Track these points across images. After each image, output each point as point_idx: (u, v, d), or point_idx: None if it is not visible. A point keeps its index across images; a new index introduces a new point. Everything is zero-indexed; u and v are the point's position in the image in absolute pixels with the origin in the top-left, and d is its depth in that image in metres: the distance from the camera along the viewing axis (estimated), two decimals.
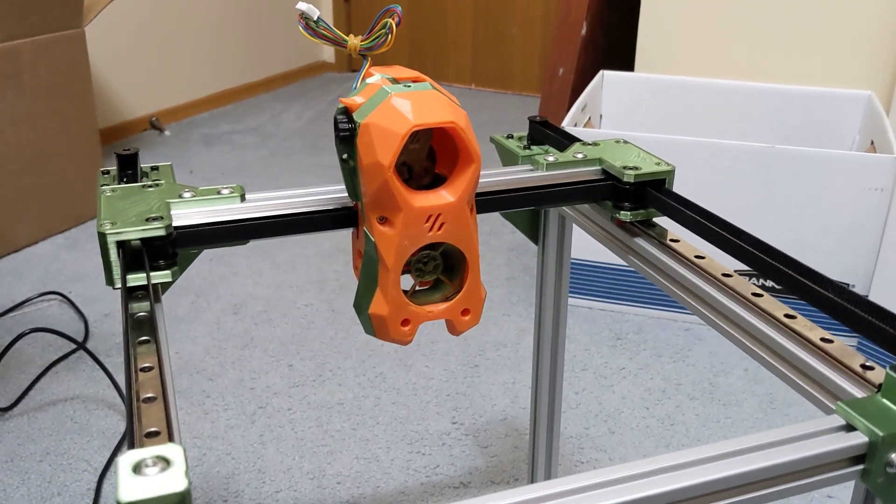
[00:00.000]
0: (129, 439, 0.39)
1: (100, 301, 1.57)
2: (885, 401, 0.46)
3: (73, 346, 1.39)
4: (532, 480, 0.99)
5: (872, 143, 1.52)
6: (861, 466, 0.44)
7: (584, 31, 1.94)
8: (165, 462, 0.33)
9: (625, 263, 1.49)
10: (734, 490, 0.42)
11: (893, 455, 0.44)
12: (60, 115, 1.80)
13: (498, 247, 1.82)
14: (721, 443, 0.43)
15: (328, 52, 3.37)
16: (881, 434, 0.43)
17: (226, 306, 1.57)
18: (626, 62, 1.92)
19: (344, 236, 1.87)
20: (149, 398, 0.45)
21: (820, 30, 1.69)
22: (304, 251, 1.80)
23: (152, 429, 0.42)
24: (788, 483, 0.43)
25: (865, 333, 0.47)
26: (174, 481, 0.32)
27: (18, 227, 1.77)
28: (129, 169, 0.71)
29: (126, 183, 0.69)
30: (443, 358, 1.41)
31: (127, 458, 0.33)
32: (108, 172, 0.73)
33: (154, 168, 0.73)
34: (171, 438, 0.40)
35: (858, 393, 0.47)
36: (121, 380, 1.30)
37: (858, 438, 0.44)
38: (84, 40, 1.82)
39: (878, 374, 0.48)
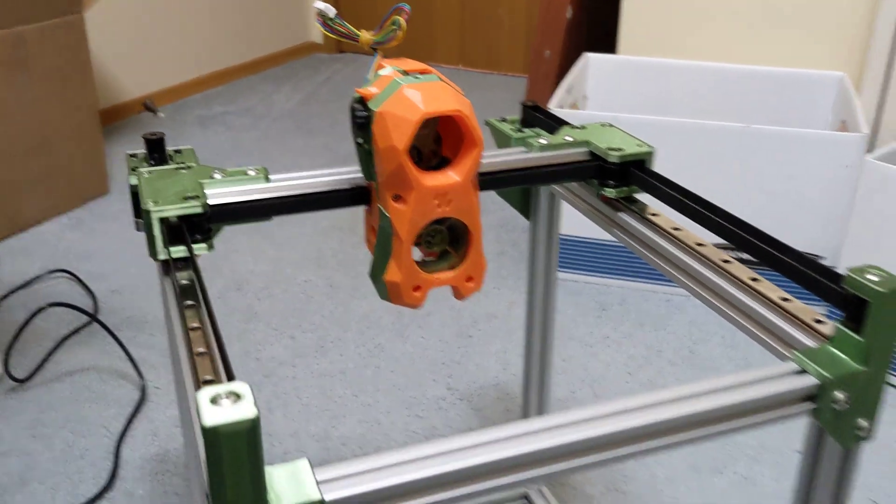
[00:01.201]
0: (195, 386, 0.46)
1: (107, 279, 1.64)
2: (833, 349, 0.53)
3: (84, 321, 1.45)
4: None
5: (844, 122, 1.60)
6: (812, 405, 0.52)
7: (569, 15, 2.01)
8: (237, 396, 0.40)
9: (609, 239, 1.57)
10: (703, 424, 0.50)
11: (839, 394, 0.52)
12: (63, 98, 1.85)
13: (487, 224, 1.89)
14: (691, 384, 0.51)
15: (316, 33, 3.41)
16: (829, 377, 0.51)
17: (228, 282, 1.64)
18: (609, 45, 1.99)
19: (340, 216, 1.94)
20: (201, 353, 0.52)
21: (796, 14, 1.76)
22: (302, 230, 1.86)
23: (207, 377, 0.49)
24: (751, 417, 0.51)
25: (815, 291, 0.55)
26: (247, 410, 0.39)
27: (25, 207, 1.82)
28: (156, 152, 0.77)
29: (154, 165, 0.75)
30: (438, 329, 1.48)
31: (205, 393, 0.40)
32: (135, 155, 0.79)
33: (177, 151, 0.80)
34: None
35: (812, 343, 0.55)
36: (133, 352, 1.37)
37: (810, 381, 0.51)
38: (84, 25, 1.87)
39: (829, 328, 0.56)
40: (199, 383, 0.49)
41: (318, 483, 0.42)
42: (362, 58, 3.36)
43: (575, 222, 1.57)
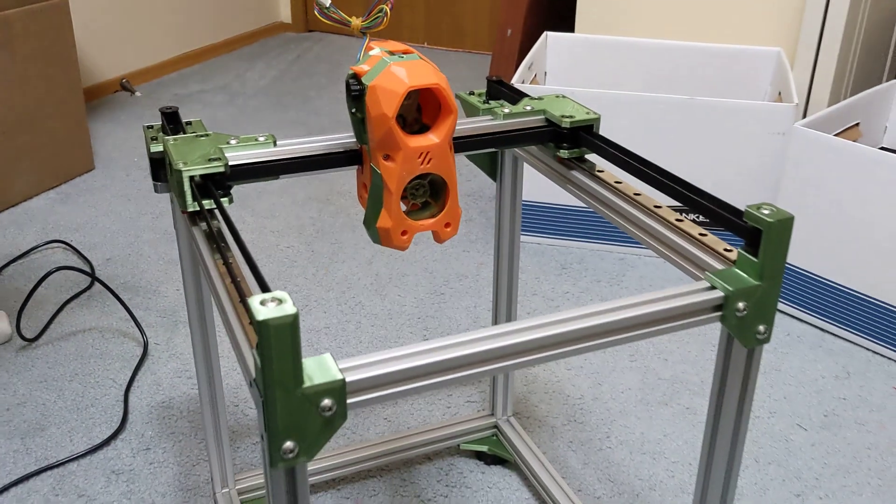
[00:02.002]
0: (239, 300, 0.59)
1: (100, 248, 1.74)
2: (737, 270, 0.67)
3: (83, 286, 1.56)
4: (493, 383, 1.21)
5: (780, 94, 1.75)
6: (720, 313, 0.66)
7: None
8: (279, 300, 0.53)
9: (569, 204, 1.71)
10: (635, 328, 0.64)
11: (740, 304, 0.66)
12: (48, 78, 1.94)
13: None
14: (623, 298, 0.65)
15: (285, 13, 3.50)
16: (732, 290, 0.65)
17: None
18: (568, 24, 2.13)
19: (316, 188, 2.05)
20: (235, 281, 0.65)
21: None
22: (281, 200, 1.98)
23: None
24: (673, 322, 0.65)
25: (723, 225, 0.69)
26: (288, 309, 0.52)
27: (14, 183, 1.91)
28: (173, 123, 0.89)
29: (171, 134, 0.87)
30: (413, 288, 1.61)
31: (255, 299, 0.52)
32: (151, 126, 0.91)
33: (188, 123, 0.92)
34: None
35: (720, 266, 0.69)
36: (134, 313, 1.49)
37: (717, 294, 0.66)
38: (68, 7, 1.95)
39: (734, 254, 0.70)
40: (241, 298, 0.62)
41: (340, 370, 0.55)
42: (329, 37, 3.46)
43: (537, 189, 1.71)
